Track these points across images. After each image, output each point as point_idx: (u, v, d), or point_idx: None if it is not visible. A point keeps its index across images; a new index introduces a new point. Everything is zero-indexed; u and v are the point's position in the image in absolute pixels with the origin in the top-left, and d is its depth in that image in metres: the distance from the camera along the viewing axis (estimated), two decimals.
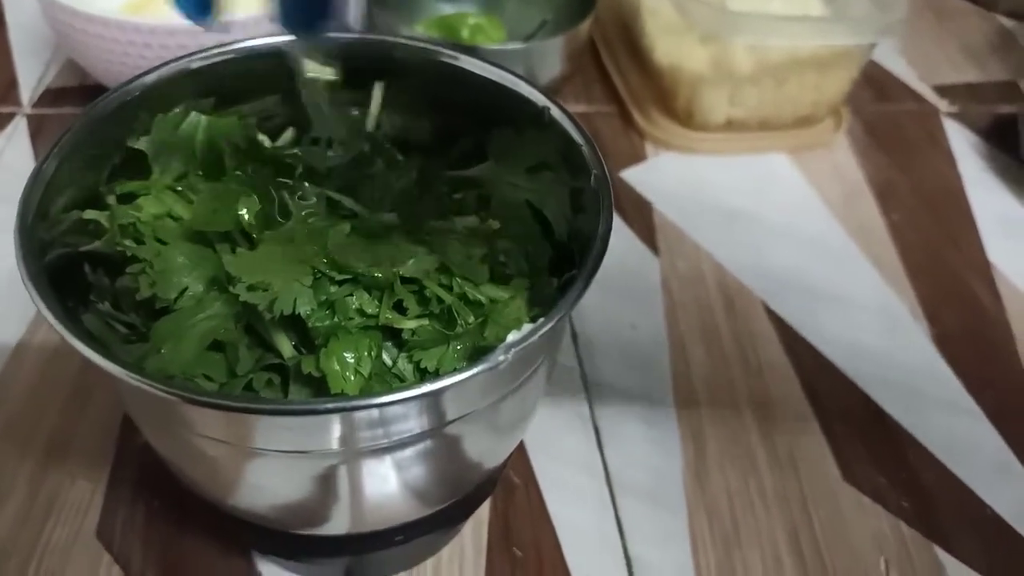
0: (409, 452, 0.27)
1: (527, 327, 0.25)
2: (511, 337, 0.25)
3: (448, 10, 0.62)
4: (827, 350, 0.49)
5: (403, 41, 0.35)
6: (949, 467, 0.44)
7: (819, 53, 0.57)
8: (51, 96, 0.60)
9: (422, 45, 0.35)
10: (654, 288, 0.51)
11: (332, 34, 0.35)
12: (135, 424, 0.40)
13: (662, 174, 0.59)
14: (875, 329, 0.50)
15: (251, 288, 0.25)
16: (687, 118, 0.60)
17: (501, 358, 0.24)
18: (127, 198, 0.32)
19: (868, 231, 0.57)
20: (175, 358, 0.26)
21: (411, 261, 0.27)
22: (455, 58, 0.34)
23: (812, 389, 0.47)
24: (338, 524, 0.32)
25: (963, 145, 0.65)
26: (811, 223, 0.57)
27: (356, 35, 0.35)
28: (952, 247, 0.56)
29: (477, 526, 0.39)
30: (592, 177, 0.30)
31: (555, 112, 0.33)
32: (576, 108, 0.63)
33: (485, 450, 0.32)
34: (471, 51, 0.34)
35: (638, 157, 0.60)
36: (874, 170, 0.61)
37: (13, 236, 0.28)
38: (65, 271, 0.29)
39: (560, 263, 0.33)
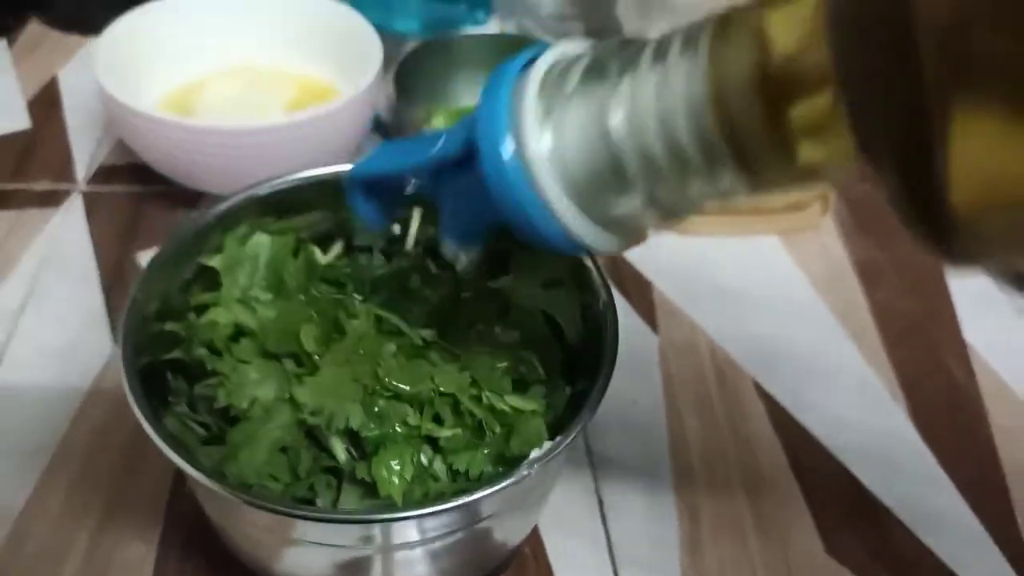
0: (438, 545, 0.32)
1: (547, 444, 0.30)
2: (534, 453, 0.29)
3: (467, 102, 0.68)
4: (811, 424, 0.53)
5: None
6: (925, 542, 0.48)
7: None
8: (104, 173, 0.65)
9: None
10: (653, 363, 0.56)
11: None
12: (185, 493, 0.45)
13: (661, 253, 0.64)
14: (856, 403, 0.55)
15: (313, 413, 0.30)
16: None
17: (526, 472, 0.29)
18: (199, 309, 0.37)
19: (851, 309, 0.61)
20: (250, 462, 0.31)
21: (447, 379, 0.32)
22: None
23: (797, 462, 0.51)
24: None
25: None
26: (798, 302, 0.62)
27: None
28: (931, 325, 0.61)
29: None
30: (600, 302, 0.35)
31: None
32: None
33: (508, 535, 0.37)
34: None
35: None
36: (859, 251, 0.66)
37: (119, 345, 0.32)
38: (149, 375, 0.34)
39: (572, 365, 0.38)
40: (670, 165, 0.23)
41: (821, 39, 0.20)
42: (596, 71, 0.24)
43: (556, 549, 0.45)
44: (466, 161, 0.27)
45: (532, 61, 0.26)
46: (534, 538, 0.46)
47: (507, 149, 0.25)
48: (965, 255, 0.21)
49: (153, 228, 0.61)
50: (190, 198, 0.62)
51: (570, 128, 0.24)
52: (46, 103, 0.72)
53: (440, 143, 0.29)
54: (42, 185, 0.64)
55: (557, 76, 0.25)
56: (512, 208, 0.25)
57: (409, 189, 0.32)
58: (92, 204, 0.63)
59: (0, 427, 0.48)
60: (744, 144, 0.22)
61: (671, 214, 0.26)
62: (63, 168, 0.65)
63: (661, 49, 0.23)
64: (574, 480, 0.49)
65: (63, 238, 0.60)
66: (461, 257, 0.34)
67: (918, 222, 0.20)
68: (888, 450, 0.53)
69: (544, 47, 0.26)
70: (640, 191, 0.24)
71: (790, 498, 0.49)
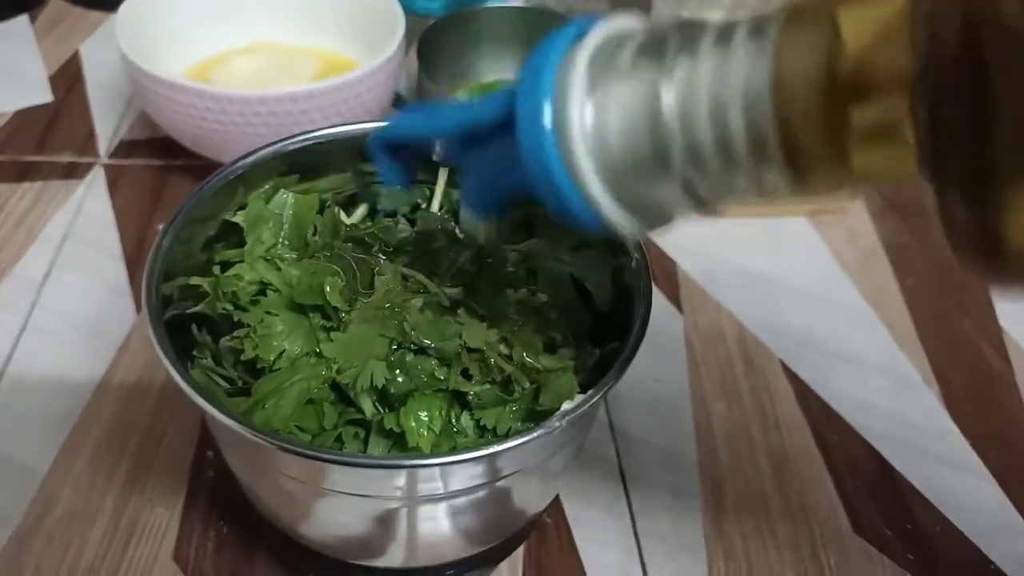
0: (463, 500, 0.31)
1: (578, 397, 0.29)
2: (566, 406, 0.29)
3: (491, 77, 0.67)
4: (839, 407, 0.52)
5: None
6: (954, 522, 0.47)
7: None
8: (126, 148, 0.65)
9: None
10: (678, 344, 0.56)
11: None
12: (207, 459, 0.45)
13: (687, 234, 0.63)
14: (886, 388, 0.54)
15: (339, 370, 0.30)
16: None
17: (556, 424, 0.28)
18: (224, 266, 0.36)
19: (882, 294, 0.60)
20: (276, 413, 0.30)
21: (475, 335, 0.32)
22: None
23: (823, 441, 0.50)
24: (393, 558, 0.37)
25: None
26: (828, 285, 0.61)
27: None
28: (963, 311, 0.60)
29: (513, 563, 0.43)
30: (632, 260, 0.35)
31: None
32: None
33: (530, 498, 0.36)
34: None
35: None
36: (889, 234, 0.65)
37: (143, 299, 0.32)
38: (174, 329, 0.34)
39: (601, 331, 0.37)
40: (716, 156, 0.22)
41: (903, 43, 0.19)
42: (651, 50, 0.23)
43: (578, 519, 0.45)
44: (499, 131, 0.26)
45: (581, 35, 0.24)
46: (555, 508, 0.45)
47: (547, 119, 0.24)
48: (1009, 281, 0.20)
49: (176, 201, 0.60)
50: (211, 171, 0.61)
51: (616, 106, 0.23)
52: (68, 77, 0.72)
53: (475, 110, 0.28)
54: (66, 158, 0.64)
55: (608, 52, 0.24)
56: (542, 180, 0.25)
57: (436, 155, 0.31)
58: (114, 177, 0.63)
59: (25, 392, 0.48)
60: (798, 142, 0.21)
61: (705, 205, 0.25)
62: (86, 142, 0.65)
63: (725, 34, 0.22)
64: (596, 454, 0.48)
65: (86, 210, 0.60)
66: (480, 228, 0.33)
67: (966, 244, 0.19)
68: (918, 434, 0.52)
69: (594, 20, 0.25)
70: (678, 179, 0.23)
71: (816, 477, 0.49)
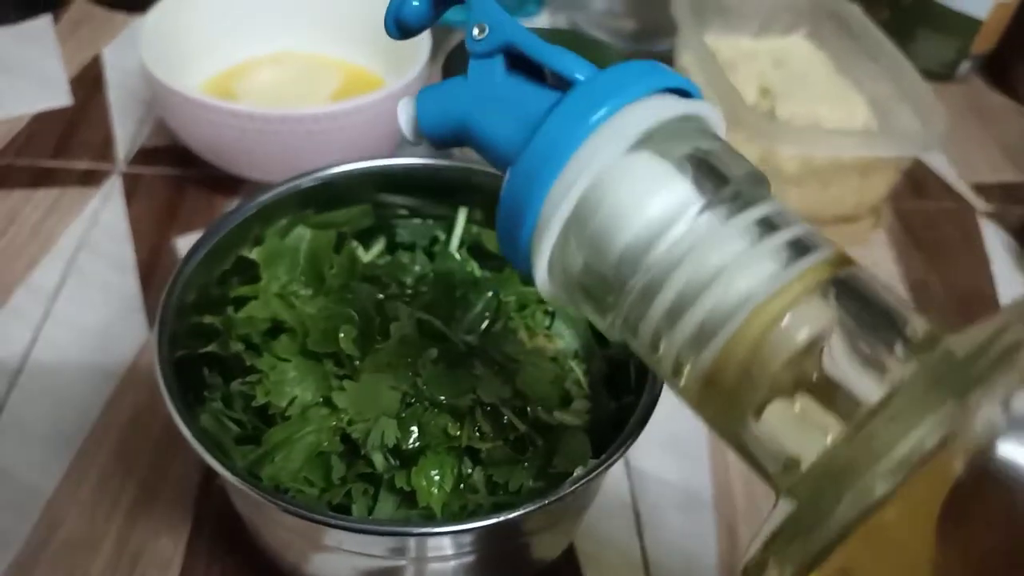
0: (473, 559, 0.31)
1: (591, 462, 0.29)
2: (578, 471, 0.28)
3: None
4: None
5: (485, 168, 0.39)
6: None
7: (862, 160, 0.60)
8: (144, 155, 0.65)
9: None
10: None
11: (422, 158, 0.39)
12: (215, 487, 0.45)
13: None
14: None
15: (351, 422, 0.29)
16: None
17: (568, 491, 0.27)
18: (238, 301, 0.36)
19: None
20: (286, 467, 0.30)
21: (489, 389, 0.31)
22: None
23: None
24: None
25: (997, 246, 0.68)
26: None
27: (446, 162, 0.39)
28: None
29: None
30: None
31: None
32: None
33: (542, 550, 0.35)
34: None
35: None
36: (909, 269, 0.64)
37: (155, 338, 0.31)
38: (186, 366, 0.33)
39: (616, 380, 0.37)
40: (659, 328, 0.20)
41: None
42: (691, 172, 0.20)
43: (590, 561, 0.44)
44: (511, 71, 0.23)
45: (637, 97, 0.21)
46: (567, 550, 0.44)
47: (554, 170, 0.20)
48: None
49: (192, 213, 0.60)
50: (230, 183, 0.61)
51: (611, 204, 0.20)
52: (89, 81, 0.71)
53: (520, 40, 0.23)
54: (83, 164, 0.64)
55: (653, 140, 0.20)
56: (510, 212, 0.21)
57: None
58: (132, 186, 0.62)
59: (33, 409, 0.48)
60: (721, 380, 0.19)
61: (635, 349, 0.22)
62: (104, 148, 0.65)
63: (763, 228, 0.19)
64: (611, 492, 0.48)
65: (102, 220, 0.59)
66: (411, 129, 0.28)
67: None
68: None
69: (663, 83, 0.21)
70: (616, 318, 0.21)
71: None
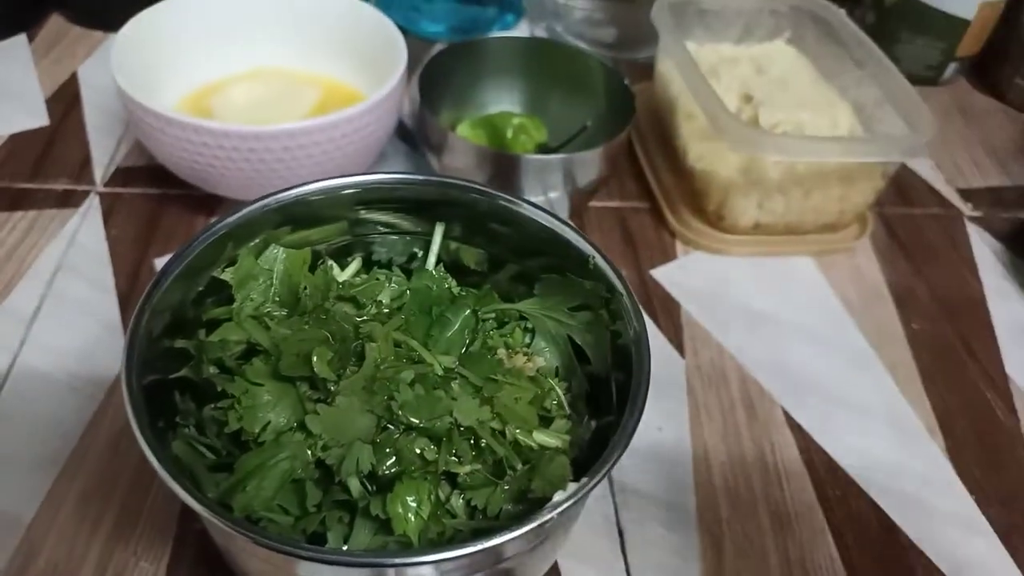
0: None
1: (571, 486, 0.28)
2: (558, 496, 0.28)
3: (493, 110, 0.66)
4: (841, 457, 0.51)
5: (463, 183, 0.39)
6: None
7: (846, 166, 0.60)
8: (123, 174, 0.64)
9: (484, 189, 0.39)
10: (680, 389, 0.54)
11: (399, 174, 0.39)
12: (194, 512, 0.44)
13: (691, 273, 0.62)
14: (889, 439, 0.53)
15: (325, 447, 0.29)
16: (717, 220, 0.63)
17: (548, 517, 0.27)
18: (209, 324, 0.35)
19: (887, 338, 0.59)
20: (258, 495, 0.29)
21: (466, 412, 0.30)
22: (514, 203, 0.38)
23: (825, 497, 0.49)
24: None
25: (985, 251, 0.67)
26: (832, 328, 0.60)
27: (423, 177, 0.39)
28: (970, 358, 0.59)
29: None
30: (632, 330, 0.34)
31: (599, 261, 0.36)
32: (610, 203, 0.67)
33: (525, 572, 0.35)
34: (527, 201, 0.38)
35: (668, 255, 0.63)
36: (895, 276, 0.64)
37: (123, 367, 0.31)
38: (156, 395, 0.33)
39: (597, 399, 0.36)
40: None
41: None
42: None
43: None
44: None
45: None
46: (552, 568, 0.44)
47: None
48: None
49: (171, 233, 0.60)
50: (210, 202, 0.60)
51: None
52: (65, 100, 0.71)
53: None
54: (60, 185, 0.63)
55: None
56: None
57: None
58: (110, 206, 0.61)
59: (12, 434, 0.47)
60: None
61: None
62: (81, 168, 0.64)
63: None
64: (595, 510, 0.47)
65: (79, 241, 0.59)
66: None
67: None
68: (921, 488, 0.50)
69: None
70: None
71: (817, 535, 0.47)
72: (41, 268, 0.56)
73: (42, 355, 0.51)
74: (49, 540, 0.43)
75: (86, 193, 0.62)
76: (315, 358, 0.31)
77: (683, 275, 0.62)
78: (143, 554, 0.43)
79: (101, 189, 0.63)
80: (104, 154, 0.66)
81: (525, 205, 0.37)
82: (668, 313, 0.59)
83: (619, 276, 0.35)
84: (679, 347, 0.57)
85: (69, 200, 0.62)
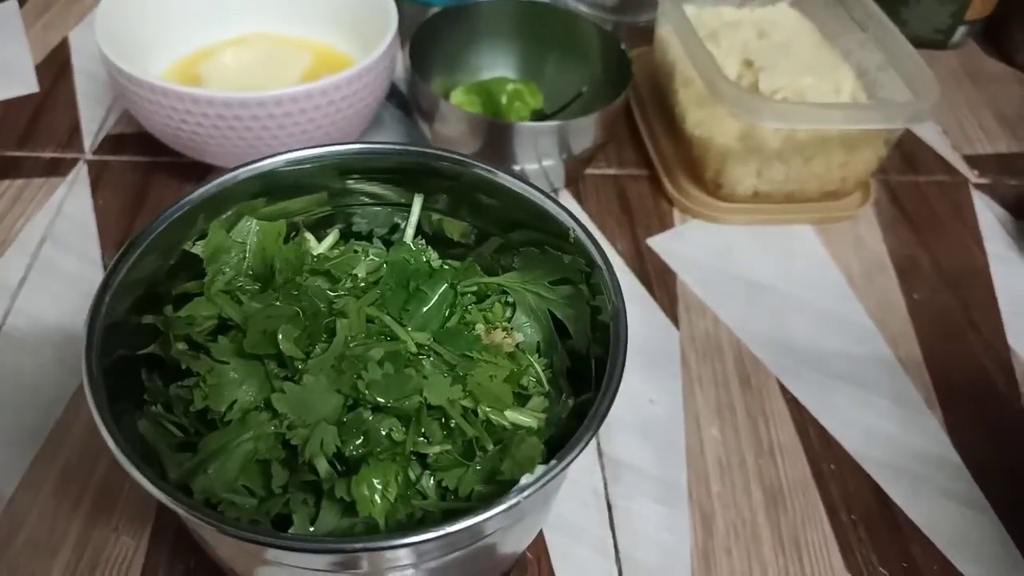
0: (433, 565, 0.30)
1: (539, 468, 0.27)
2: (525, 479, 0.27)
3: (487, 76, 0.65)
4: (837, 432, 0.50)
5: (445, 154, 0.37)
6: (953, 562, 0.45)
7: (848, 133, 0.58)
8: (111, 143, 0.63)
9: (462, 159, 0.37)
10: (673, 361, 0.53)
11: (381, 143, 0.38)
12: None
13: (688, 242, 0.61)
14: (887, 413, 0.52)
15: (291, 427, 0.28)
16: (715, 188, 0.62)
17: (515, 500, 0.26)
18: (181, 298, 0.34)
19: (888, 310, 0.58)
20: (220, 477, 0.29)
21: (436, 392, 0.30)
22: (492, 173, 0.37)
23: (820, 473, 0.48)
24: None
25: (990, 220, 0.66)
26: (832, 299, 0.58)
27: (401, 147, 0.38)
28: (972, 330, 0.57)
29: None
30: (610, 305, 0.33)
31: (579, 234, 0.35)
32: (607, 171, 0.65)
33: (508, 546, 0.34)
34: (507, 169, 0.37)
35: (665, 224, 0.62)
36: (898, 245, 0.63)
37: (82, 342, 0.30)
38: (122, 372, 0.32)
39: (577, 373, 0.35)
40: None
41: None
42: None
43: (560, 555, 0.43)
44: None
45: None
46: (537, 542, 0.43)
47: None
48: None
49: (160, 202, 0.59)
50: (200, 170, 0.59)
51: None
52: (56, 66, 0.70)
53: None
54: (48, 153, 0.62)
55: None
56: None
57: None
58: (98, 175, 0.61)
59: None
60: None
61: None
62: (70, 135, 0.64)
63: None
64: (583, 483, 0.46)
65: (66, 211, 0.58)
66: None
67: None
68: (919, 463, 0.49)
69: None
70: None
71: (810, 509, 0.47)
72: (27, 238, 0.56)
73: (28, 325, 0.51)
74: (31, 516, 0.43)
75: (74, 161, 0.62)
76: (280, 336, 0.30)
77: (680, 244, 0.61)
78: (124, 528, 0.43)
79: (89, 157, 0.62)
80: (93, 121, 0.65)
81: (504, 175, 0.36)
82: (664, 283, 0.58)
83: (599, 250, 0.34)
84: (674, 318, 0.56)
85: (57, 168, 0.61)
